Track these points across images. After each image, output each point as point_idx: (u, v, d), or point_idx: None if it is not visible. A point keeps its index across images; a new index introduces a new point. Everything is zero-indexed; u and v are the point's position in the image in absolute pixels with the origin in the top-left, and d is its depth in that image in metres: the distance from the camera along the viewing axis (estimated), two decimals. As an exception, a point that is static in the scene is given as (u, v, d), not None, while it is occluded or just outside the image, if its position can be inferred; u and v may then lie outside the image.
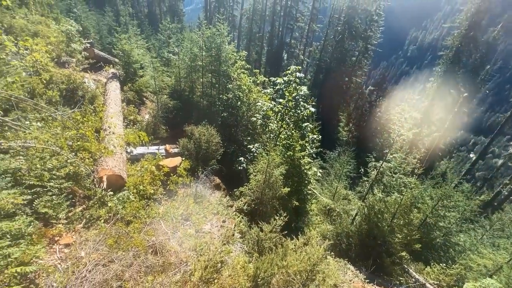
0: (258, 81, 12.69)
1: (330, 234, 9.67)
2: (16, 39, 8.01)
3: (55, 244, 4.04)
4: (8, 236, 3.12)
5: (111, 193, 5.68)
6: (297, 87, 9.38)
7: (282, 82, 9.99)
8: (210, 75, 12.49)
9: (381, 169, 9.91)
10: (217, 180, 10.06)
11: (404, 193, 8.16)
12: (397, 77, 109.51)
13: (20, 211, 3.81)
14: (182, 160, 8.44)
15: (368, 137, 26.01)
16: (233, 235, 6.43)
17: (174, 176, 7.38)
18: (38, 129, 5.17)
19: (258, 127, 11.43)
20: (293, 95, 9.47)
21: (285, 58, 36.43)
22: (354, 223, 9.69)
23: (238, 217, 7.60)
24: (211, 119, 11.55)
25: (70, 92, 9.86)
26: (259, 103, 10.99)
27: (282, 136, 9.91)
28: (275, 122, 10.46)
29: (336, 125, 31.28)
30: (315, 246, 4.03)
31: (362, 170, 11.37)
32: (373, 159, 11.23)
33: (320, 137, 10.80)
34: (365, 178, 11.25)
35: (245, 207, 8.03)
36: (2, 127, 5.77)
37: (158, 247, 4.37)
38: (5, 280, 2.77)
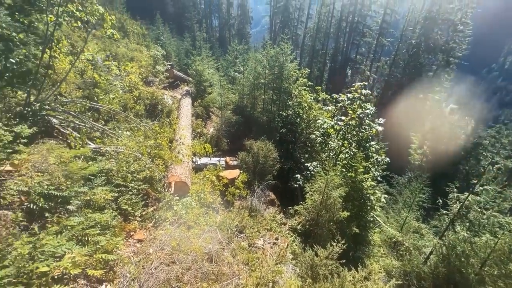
0: (319, 98, 12.48)
1: (396, 271, 8.43)
2: (119, 64, 9.94)
3: (130, 238, 4.62)
4: (98, 226, 3.73)
5: (177, 197, 6.27)
6: (362, 105, 8.83)
7: (346, 99, 9.56)
8: (271, 92, 12.91)
9: (466, 202, 8.30)
10: (272, 196, 10.05)
11: (500, 236, 6.59)
12: (488, 94, 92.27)
13: (108, 206, 4.52)
14: (240, 173, 8.78)
15: (447, 163, 22.34)
16: (285, 255, 6.23)
17: (232, 187, 7.69)
18: (127, 137, 6.12)
19: (317, 145, 11.09)
20: (357, 112, 8.93)
21: (349, 74, 35.07)
22: (428, 263, 8.24)
23: (291, 236, 7.36)
24: (270, 134, 11.79)
25: (152, 107, 11.52)
26: (320, 121, 10.72)
27: (343, 156, 9.36)
28: (336, 140, 9.99)
29: (407, 147, 27.96)
30: (378, 283, 3.57)
31: (440, 201, 9.72)
32: (455, 190, 9.52)
33: (387, 159, 9.80)
34: (444, 211, 9.57)
35: (299, 227, 7.74)
36: (102, 134, 7.08)
37: (214, 256, 4.55)
38: (93, 263, 3.28)
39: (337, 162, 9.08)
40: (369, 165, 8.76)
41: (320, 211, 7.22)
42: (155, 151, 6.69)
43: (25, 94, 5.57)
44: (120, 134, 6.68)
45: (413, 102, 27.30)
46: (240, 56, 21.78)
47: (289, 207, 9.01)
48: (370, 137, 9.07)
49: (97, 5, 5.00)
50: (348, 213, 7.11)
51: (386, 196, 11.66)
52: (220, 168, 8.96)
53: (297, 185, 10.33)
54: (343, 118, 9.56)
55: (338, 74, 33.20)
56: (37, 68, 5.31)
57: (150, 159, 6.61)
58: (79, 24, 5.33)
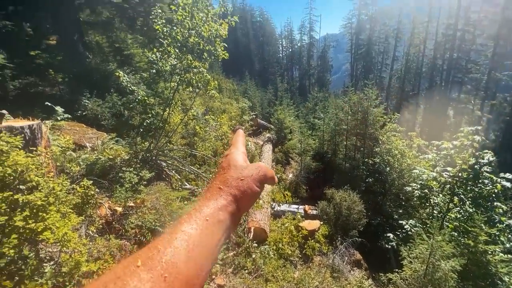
0: (414, 145, 10.92)
1: None
2: (213, 115, 11.69)
3: (211, 282, 4.75)
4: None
5: (255, 244, 6.23)
6: (477, 153, 7.19)
7: (450, 146, 8.05)
8: (354, 138, 12.23)
9: None
10: (358, 256, 8.73)
11: None
12: None
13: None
14: (321, 224, 8.16)
15: None
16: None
17: (312, 240, 7.15)
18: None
19: (415, 199, 9.38)
20: (470, 163, 7.27)
21: (451, 115, 30.07)
22: None
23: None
24: (354, 183, 10.81)
25: (237, 153, 12.65)
26: (416, 170, 9.23)
27: (453, 216, 7.51)
28: (441, 195, 8.23)
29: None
30: None
31: None
32: None
33: (525, 226, 7.26)
34: None
35: (396, 303, 6.26)
36: (197, 177, 8.10)
37: (291, 320, 4.11)
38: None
39: (445, 223, 7.32)
40: (497, 233, 6.65)
41: (426, 287, 5.72)
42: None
43: (147, 143, 7.12)
44: (211, 178, 7.48)
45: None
46: (320, 103, 22.16)
47: (380, 273, 7.53)
48: (494, 195, 7.06)
49: (206, 74, 6.23)
50: (469, 297, 5.36)
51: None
52: (299, 217, 8.59)
53: (389, 246, 8.72)
54: (448, 169, 7.94)
55: (436, 117, 28.88)
56: (159, 123, 6.79)
57: (233, 203, 6.99)
58: (191, 89, 6.70)
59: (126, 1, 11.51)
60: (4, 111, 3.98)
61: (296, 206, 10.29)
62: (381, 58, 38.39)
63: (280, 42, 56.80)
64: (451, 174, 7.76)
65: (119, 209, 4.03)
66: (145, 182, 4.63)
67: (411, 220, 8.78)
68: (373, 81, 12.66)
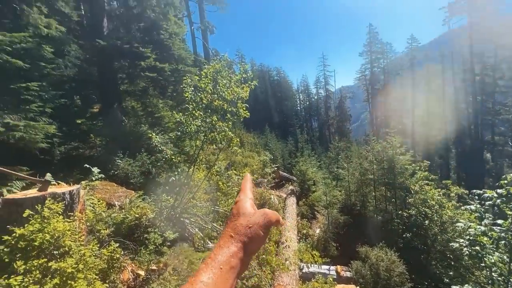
0: (452, 194, 10.00)
1: None
2: (235, 169, 11.86)
3: None
4: None
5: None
6: (530, 204, 6.38)
7: (495, 195, 7.27)
8: (383, 188, 11.56)
9: None
10: (407, 331, 7.34)
11: None
12: None
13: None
14: (357, 290, 7.19)
15: None
16: None
17: (349, 311, 6.23)
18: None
19: (466, 258, 8.15)
20: (524, 215, 6.41)
21: (489, 159, 27.98)
22: None
23: None
24: (389, 239, 9.78)
25: (260, 207, 12.30)
26: (461, 224, 8.24)
27: (518, 280, 6.29)
28: (497, 254, 7.10)
29: None
30: None
31: None
32: None
33: None
34: None
35: None
36: (219, 234, 7.84)
37: None
38: None
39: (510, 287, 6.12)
40: None
41: None
42: (263, 255, 6.65)
43: (172, 200, 7.25)
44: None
45: None
46: (342, 152, 21.91)
47: None
48: None
49: (229, 132, 6.63)
50: None
51: None
52: (331, 280, 7.69)
53: (445, 320, 7.31)
54: (499, 221, 7.03)
55: (471, 161, 26.97)
56: (185, 180, 7.02)
57: (258, 265, 6.54)
58: (214, 146, 7.05)
59: (160, 74, 13.27)
60: (48, 176, 4.39)
61: (327, 267, 9.32)
62: (400, 106, 38.60)
63: (297, 96, 60.06)
64: (504, 228, 6.82)
65: (142, 273, 3.92)
66: (168, 243, 4.57)
67: (466, 285, 7.50)
68: (395, 129, 12.53)
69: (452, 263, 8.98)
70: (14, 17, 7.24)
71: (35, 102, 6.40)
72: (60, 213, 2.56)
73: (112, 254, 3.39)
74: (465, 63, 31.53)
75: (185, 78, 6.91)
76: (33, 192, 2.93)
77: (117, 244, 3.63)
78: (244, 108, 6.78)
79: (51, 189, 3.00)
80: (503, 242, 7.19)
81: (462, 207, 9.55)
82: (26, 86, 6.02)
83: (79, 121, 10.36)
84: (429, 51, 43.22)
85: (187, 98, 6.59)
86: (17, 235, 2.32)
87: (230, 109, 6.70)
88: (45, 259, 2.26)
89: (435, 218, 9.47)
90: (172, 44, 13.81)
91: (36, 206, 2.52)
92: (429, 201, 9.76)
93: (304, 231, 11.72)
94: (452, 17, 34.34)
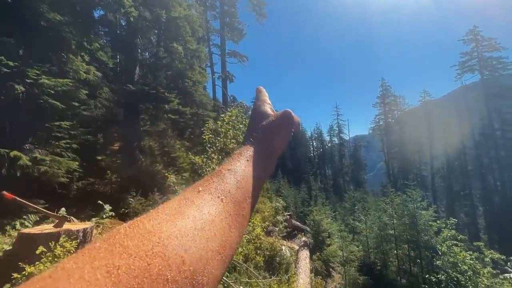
0: (487, 259, 8.92)
1: None
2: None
3: None
4: None
5: None
6: None
7: (539, 264, 6.43)
8: (406, 246, 10.58)
9: None
10: None
11: None
12: None
13: None
14: None
15: None
16: None
17: None
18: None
19: None
20: None
21: (522, 220, 25.55)
22: None
23: None
24: (417, 309, 8.55)
25: (270, 258, 11.45)
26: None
27: None
28: None
29: None
30: None
31: None
32: None
33: None
34: None
35: None
36: (225, 286, 7.21)
37: None
38: None
39: None
40: None
41: None
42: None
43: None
44: (240, 290, 6.59)
45: None
46: (358, 203, 20.88)
47: None
48: None
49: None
50: None
51: None
52: None
53: None
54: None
55: (504, 221, 24.69)
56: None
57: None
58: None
59: (181, 116, 14.06)
60: (62, 211, 4.40)
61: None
62: (418, 157, 37.70)
63: (311, 143, 60.50)
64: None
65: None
66: None
67: None
68: (414, 181, 12.03)
69: None
70: (58, 63, 8.21)
71: (64, 138, 6.82)
72: (73, 252, 2.48)
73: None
74: (482, 118, 31.35)
75: (207, 122, 7.24)
76: (48, 228, 2.91)
77: None
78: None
79: (66, 226, 2.97)
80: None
81: (501, 276, 8.40)
82: (59, 125, 6.49)
83: (99, 158, 10.77)
84: (443, 104, 43.72)
85: (205, 141, 6.80)
86: (26, 273, 2.23)
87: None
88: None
89: (470, 287, 8.32)
90: (195, 91, 14.89)
91: (50, 243, 2.46)
92: (460, 265, 8.72)
93: (319, 294, 10.55)
94: (463, 74, 35.44)
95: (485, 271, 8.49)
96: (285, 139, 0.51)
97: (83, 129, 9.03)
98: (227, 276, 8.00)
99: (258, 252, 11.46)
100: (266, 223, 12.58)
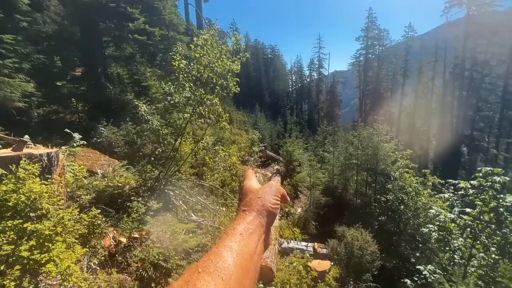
0: (429, 182, 10.53)
1: None
2: (223, 145, 11.79)
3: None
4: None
5: (261, 285, 5.82)
6: (498, 196, 6.82)
7: (468, 186, 7.70)
8: (365, 173, 11.96)
9: None
10: (373, 303, 7.99)
11: None
12: None
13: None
14: (331, 265, 7.63)
15: None
16: None
17: (322, 284, 6.64)
18: (223, 214, 6.61)
19: (433, 241, 8.78)
20: (490, 205, 6.88)
21: (465, 153, 29.38)
22: None
23: None
24: (366, 221, 10.31)
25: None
26: (433, 210, 8.77)
27: (475, 263, 6.90)
28: (461, 239, 7.68)
29: None
30: None
31: None
32: None
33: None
34: None
35: None
36: (203, 208, 7.94)
37: None
38: None
39: (468, 270, 6.71)
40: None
41: None
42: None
43: (157, 171, 7.16)
44: (217, 210, 7.32)
45: None
46: (329, 136, 22.22)
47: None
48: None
49: (218, 107, 6.45)
50: None
51: None
52: (308, 256, 8.10)
53: (407, 295, 7.97)
54: (467, 210, 7.52)
55: (449, 154, 28.23)
56: (171, 152, 6.90)
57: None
58: (203, 120, 6.88)
59: (149, 38, 12.50)
60: (26, 138, 4.15)
61: (305, 244, 9.78)
62: (390, 94, 39.08)
63: (290, 77, 59.21)
64: (471, 217, 7.32)
65: (124, 240, 3.92)
66: (152, 213, 4.55)
67: (430, 266, 8.14)
68: (383, 117, 12.72)
69: (420, 245, 9.67)
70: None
71: (9, 57, 5.89)
72: (37, 175, 2.43)
73: (93, 220, 3.34)
74: (457, 56, 31.85)
75: (175, 45, 6.52)
76: (6, 152, 2.75)
77: (98, 211, 3.56)
78: (235, 83, 6.55)
79: (27, 150, 2.83)
80: (468, 229, 7.75)
81: (436, 196, 10.14)
82: (-1, 38, 5.49)
83: (59, 83, 9.74)
84: (425, 41, 43.12)
85: (175, 68, 6.26)
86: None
87: (220, 83, 6.45)
88: (21, 221, 2.17)
89: (410, 204, 10.01)
90: (163, 7, 12.91)
91: (10, 166, 2.37)
92: (406, 187, 10.24)
93: (286, 209, 12.09)
94: (451, 8, 33.99)
95: (425, 192, 10.14)
96: (276, 208, 0.55)
97: (33, 47, 7.80)
98: (205, 199, 8.70)
99: (234, 178, 12.34)
100: (242, 152, 13.20)
